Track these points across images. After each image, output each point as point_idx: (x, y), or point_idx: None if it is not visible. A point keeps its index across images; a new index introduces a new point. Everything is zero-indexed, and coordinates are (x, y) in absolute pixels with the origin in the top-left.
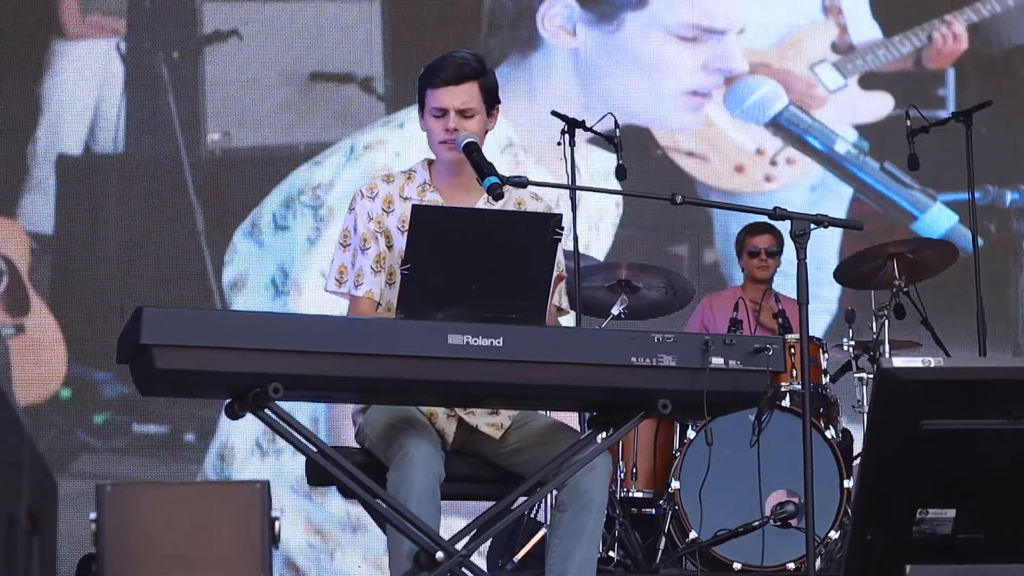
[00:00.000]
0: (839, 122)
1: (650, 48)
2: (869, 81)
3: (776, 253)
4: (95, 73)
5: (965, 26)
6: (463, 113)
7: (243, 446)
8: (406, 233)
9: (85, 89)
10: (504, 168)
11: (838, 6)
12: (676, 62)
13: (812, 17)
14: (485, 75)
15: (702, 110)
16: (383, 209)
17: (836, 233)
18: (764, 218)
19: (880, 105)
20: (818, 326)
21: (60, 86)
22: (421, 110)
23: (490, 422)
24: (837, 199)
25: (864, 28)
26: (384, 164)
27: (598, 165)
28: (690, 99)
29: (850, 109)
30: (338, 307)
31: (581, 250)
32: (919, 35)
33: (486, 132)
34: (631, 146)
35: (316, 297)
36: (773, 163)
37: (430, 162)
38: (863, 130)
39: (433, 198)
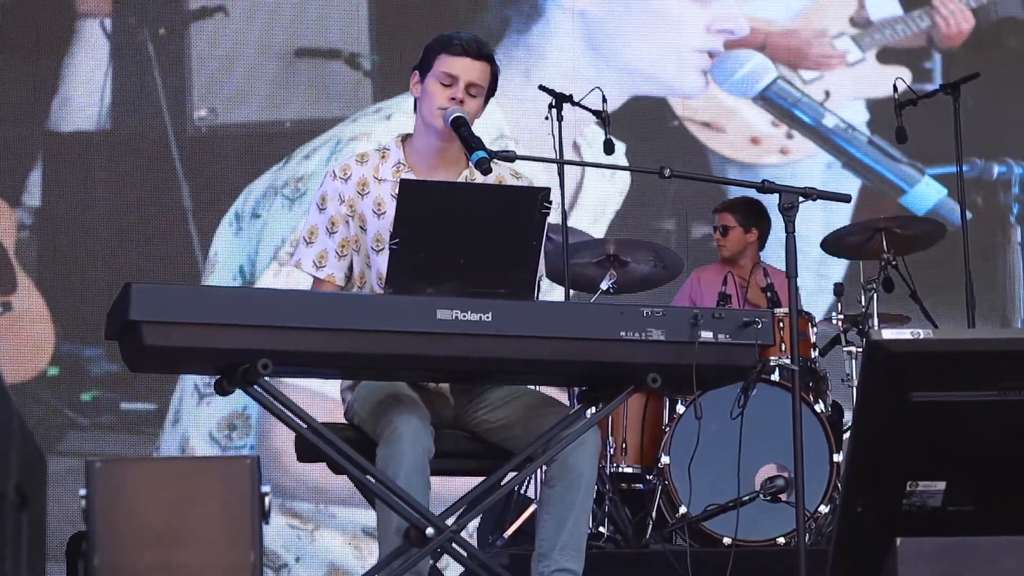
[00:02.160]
0: (855, 95)
1: (663, 7)
2: (887, 55)
3: (728, 230)
4: (81, 50)
5: (972, 6)
6: (469, 90)
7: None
8: (383, 215)
9: (72, 66)
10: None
11: None
12: (688, 23)
13: None
14: (496, 64)
15: (709, 74)
16: (357, 192)
17: (845, 212)
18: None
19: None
20: (820, 305)
21: (47, 63)
22: (423, 73)
23: None
24: (853, 177)
25: (883, 2)
26: None
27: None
28: (699, 59)
29: (867, 82)
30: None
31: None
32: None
33: (474, 119)
34: (642, 117)
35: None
36: (789, 136)
37: (404, 138)
38: (877, 104)
39: (408, 177)
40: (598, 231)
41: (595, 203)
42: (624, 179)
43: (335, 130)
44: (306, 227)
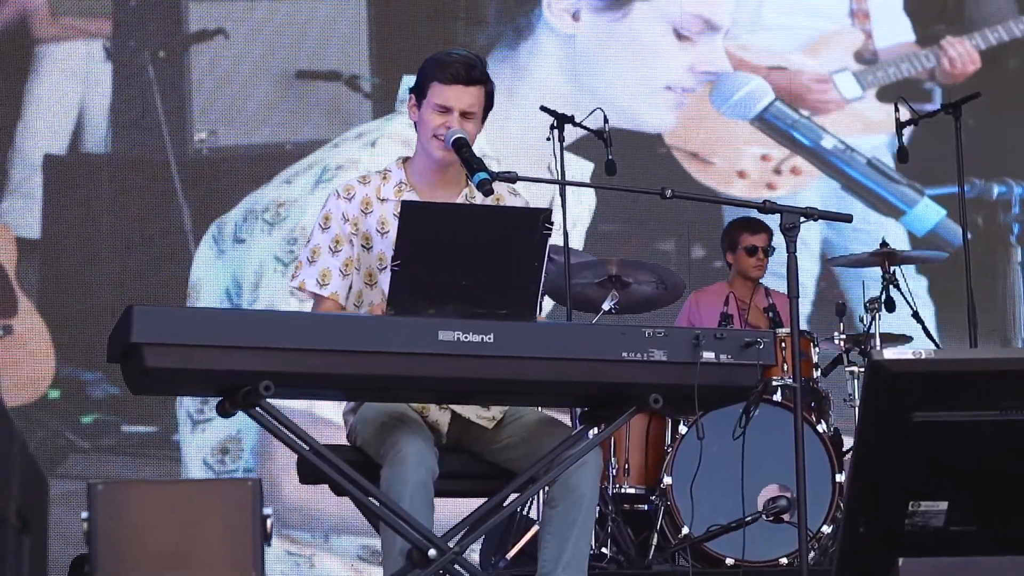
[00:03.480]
0: (851, 131)
1: (649, 41)
2: (887, 93)
3: (772, 251)
4: (82, 73)
5: (980, 47)
6: (465, 115)
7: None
8: (386, 234)
9: (72, 89)
10: None
11: (865, 10)
12: (672, 59)
13: (839, 22)
14: (489, 81)
15: (690, 108)
16: (361, 211)
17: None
18: (754, 214)
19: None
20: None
21: (47, 87)
22: (419, 99)
23: (481, 414)
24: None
25: (894, 28)
26: None
27: (578, 168)
28: (678, 96)
29: (863, 120)
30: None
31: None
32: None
33: (474, 139)
34: (621, 143)
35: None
36: (777, 171)
37: (404, 160)
38: (874, 141)
39: (410, 197)
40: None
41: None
42: (590, 197)
43: (319, 155)
44: (309, 247)
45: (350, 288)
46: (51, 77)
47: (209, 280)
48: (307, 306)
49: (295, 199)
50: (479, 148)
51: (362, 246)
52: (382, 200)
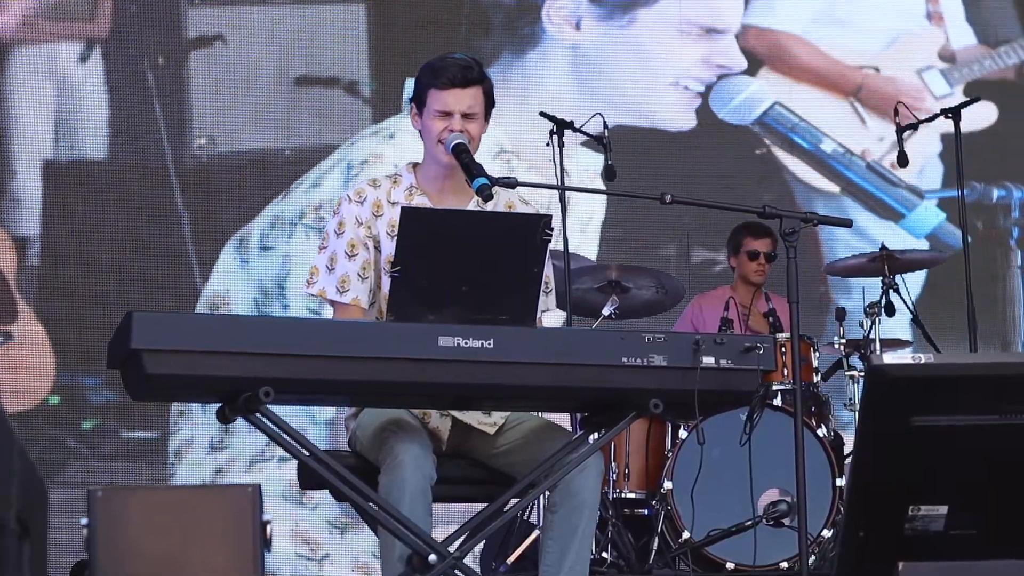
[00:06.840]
0: (936, 129)
1: (658, 41)
2: (974, 89)
3: (774, 257)
4: (81, 78)
5: None
6: (466, 116)
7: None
8: (395, 237)
9: (71, 94)
10: (496, 175)
11: (940, 12)
12: (684, 55)
13: (919, 23)
14: (486, 80)
15: (699, 107)
16: (372, 213)
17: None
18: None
19: (985, 114)
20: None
21: (45, 92)
22: (419, 108)
23: (483, 420)
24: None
25: (962, 34)
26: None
27: (586, 163)
28: (689, 95)
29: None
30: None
31: (571, 251)
32: None
33: (480, 136)
34: (622, 145)
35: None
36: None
37: (415, 165)
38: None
39: (421, 201)
40: (584, 242)
41: (581, 214)
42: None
43: (340, 154)
44: (326, 254)
45: (371, 291)
46: (56, 81)
47: (236, 290)
48: (327, 312)
49: (331, 199)
50: (497, 143)
51: (374, 247)
52: (392, 203)
